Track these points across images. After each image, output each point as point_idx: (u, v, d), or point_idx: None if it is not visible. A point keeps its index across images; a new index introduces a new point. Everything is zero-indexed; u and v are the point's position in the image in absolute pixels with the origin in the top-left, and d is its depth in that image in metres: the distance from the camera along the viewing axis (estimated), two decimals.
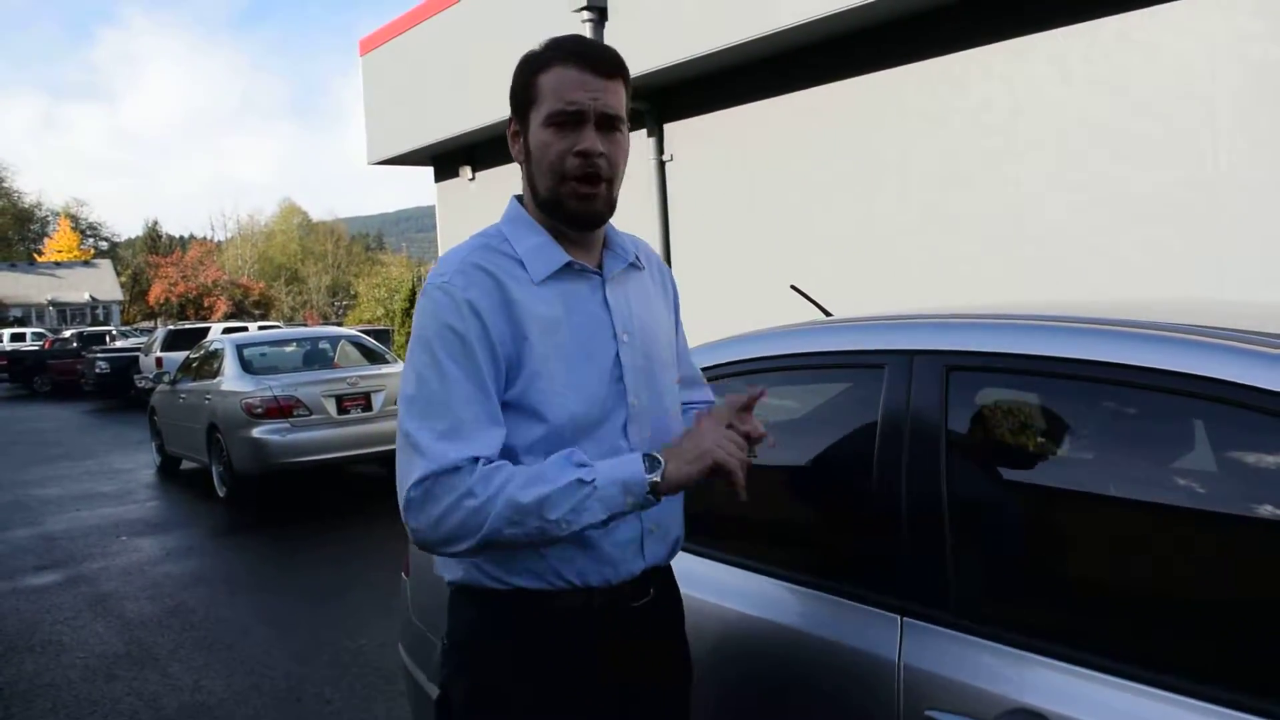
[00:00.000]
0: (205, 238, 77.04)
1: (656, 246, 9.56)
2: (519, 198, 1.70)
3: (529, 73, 1.59)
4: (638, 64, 8.79)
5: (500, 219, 1.68)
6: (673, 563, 1.76)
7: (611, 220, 1.67)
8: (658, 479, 1.47)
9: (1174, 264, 5.99)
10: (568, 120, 1.55)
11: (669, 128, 9.67)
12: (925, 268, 7.38)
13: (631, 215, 9.65)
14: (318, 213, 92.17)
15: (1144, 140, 6.13)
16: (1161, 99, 6.04)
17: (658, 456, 1.50)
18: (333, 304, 67.61)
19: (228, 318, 52.28)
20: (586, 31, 8.79)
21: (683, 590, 1.80)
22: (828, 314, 2.83)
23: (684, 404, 1.83)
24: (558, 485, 1.44)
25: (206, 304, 58.33)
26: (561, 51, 1.57)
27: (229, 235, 76.81)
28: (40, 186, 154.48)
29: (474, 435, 1.49)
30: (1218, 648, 1.42)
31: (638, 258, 1.73)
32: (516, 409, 1.54)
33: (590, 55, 1.56)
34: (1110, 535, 1.58)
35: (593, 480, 1.45)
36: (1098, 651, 1.46)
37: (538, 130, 1.57)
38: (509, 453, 1.53)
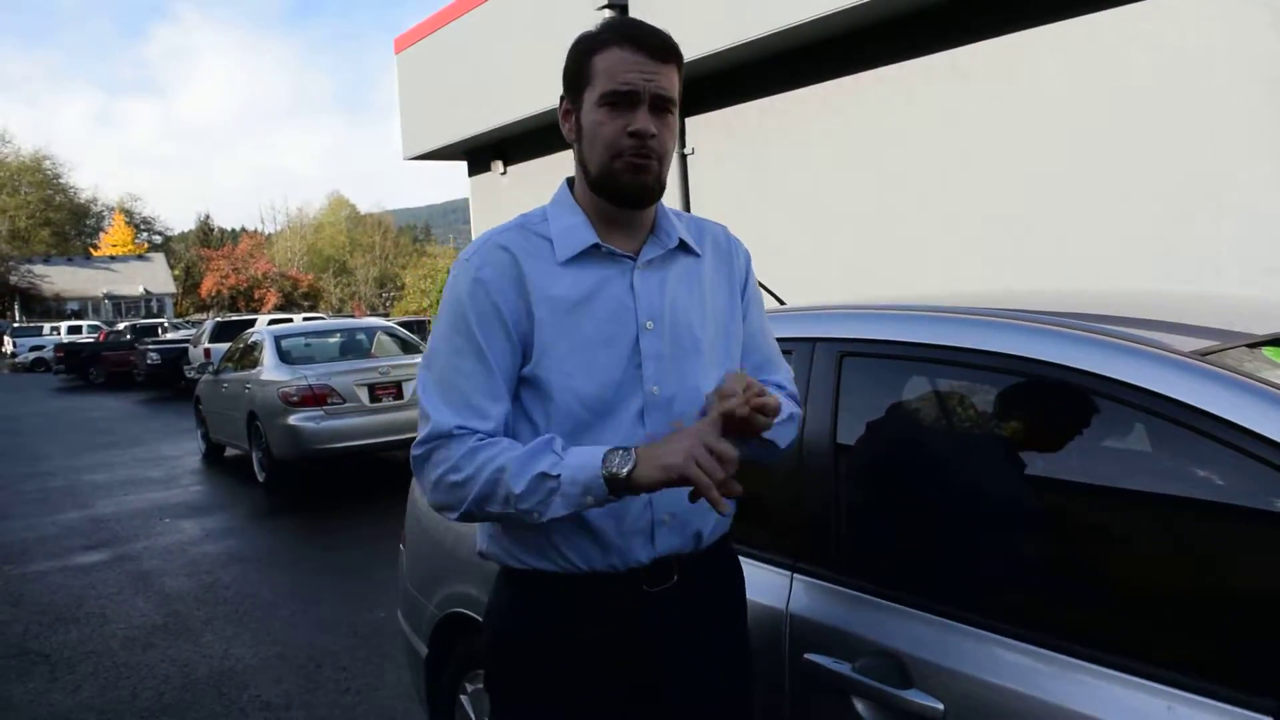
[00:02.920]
0: (255, 230, 78.43)
1: None
2: (570, 180, 1.71)
3: (584, 52, 1.60)
4: None
5: (550, 200, 1.70)
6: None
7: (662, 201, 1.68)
8: (623, 473, 1.45)
9: (1172, 254, 6.10)
10: (621, 100, 1.55)
11: (690, 121, 9.87)
12: (937, 256, 7.53)
13: None
14: (366, 205, 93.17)
15: (1143, 133, 6.23)
16: (1161, 91, 6.14)
17: (633, 452, 1.47)
18: (380, 295, 68.60)
19: (278, 309, 53.31)
20: None
21: None
22: (781, 302, 3.05)
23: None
24: (527, 476, 1.47)
25: (257, 296, 59.51)
26: (617, 33, 1.58)
27: (278, 228, 78.17)
28: (95, 182, 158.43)
29: (472, 407, 1.55)
30: (1045, 598, 1.63)
31: (684, 242, 1.70)
32: (529, 384, 1.59)
33: (645, 37, 1.57)
34: (962, 500, 1.80)
35: (558, 475, 1.47)
36: (949, 602, 1.68)
37: (591, 109, 1.58)
38: (529, 423, 1.59)
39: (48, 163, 67.12)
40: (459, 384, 1.57)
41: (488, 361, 1.57)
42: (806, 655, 1.78)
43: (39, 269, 58.46)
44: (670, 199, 9.94)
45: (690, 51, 8.45)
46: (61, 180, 69.17)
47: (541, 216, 1.67)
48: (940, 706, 1.57)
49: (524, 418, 1.62)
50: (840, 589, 1.82)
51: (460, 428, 1.54)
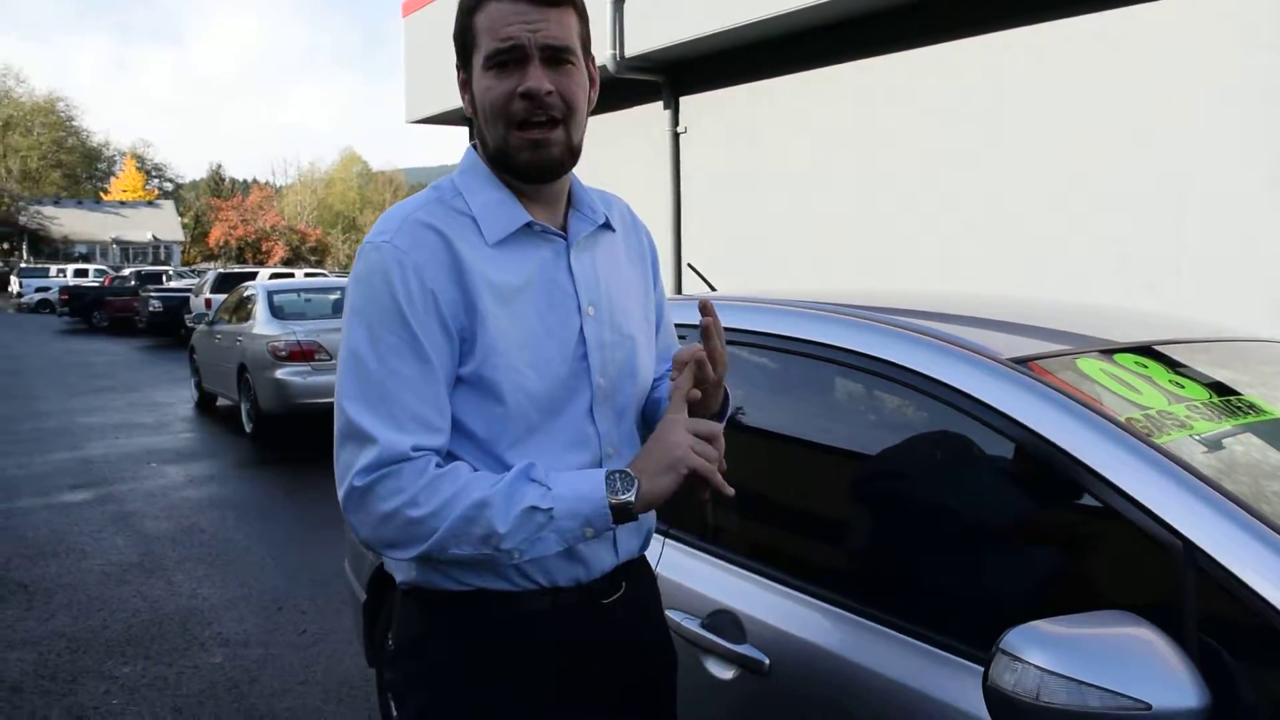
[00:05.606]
0: (266, 183, 78.55)
1: (668, 217, 9.94)
2: (475, 146, 1.51)
3: (465, 13, 1.41)
4: (656, 38, 9.14)
5: (455, 169, 1.50)
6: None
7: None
8: (631, 499, 1.31)
9: (1137, 258, 6.27)
10: (508, 59, 1.36)
11: (684, 100, 10.00)
12: (913, 248, 7.70)
13: (645, 185, 10.05)
14: (378, 162, 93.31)
15: (1115, 137, 6.38)
16: (1133, 96, 6.28)
17: (631, 474, 1.34)
18: None
19: (284, 263, 53.55)
20: (606, 7, 9.16)
21: None
22: (713, 289, 3.25)
23: (658, 378, 1.68)
24: (511, 512, 1.30)
25: (264, 248, 59.70)
26: None
27: (289, 181, 78.23)
28: (108, 126, 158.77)
29: (421, 421, 1.34)
30: (853, 569, 1.85)
31: (608, 219, 1.55)
32: (471, 386, 1.38)
33: None
34: (794, 478, 2.01)
35: (549, 509, 1.30)
36: (774, 566, 1.91)
37: (479, 75, 1.40)
38: (466, 435, 1.40)
39: (61, 104, 67.31)
40: (400, 394, 1.33)
41: (430, 362, 1.35)
42: (667, 611, 1.99)
43: (48, 210, 58.68)
44: (660, 177, 10.05)
45: (687, 32, 8.61)
46: (74, 123, 69.37)
47: (454, 189, 1.46)
48: (766, 660, 1.79)
49: (459, 427, 1.40)
50: (699, 554, 2.04)
51: (417, 449, 1.32)
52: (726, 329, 2.14)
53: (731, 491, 1.37)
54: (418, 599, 1.49)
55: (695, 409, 1.44)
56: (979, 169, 7.23)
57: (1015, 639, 1.27)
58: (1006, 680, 1.25)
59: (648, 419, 1.63)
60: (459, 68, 1.47)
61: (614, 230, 1.58)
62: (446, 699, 1.45)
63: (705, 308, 1.42)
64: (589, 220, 1.52)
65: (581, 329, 1.46)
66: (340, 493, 1.34)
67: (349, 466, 1.33)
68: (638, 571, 1.59)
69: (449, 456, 1.39)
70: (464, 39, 1.43)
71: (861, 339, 1.90)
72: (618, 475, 1.33)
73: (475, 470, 1.37)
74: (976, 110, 7.23)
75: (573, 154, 1.44)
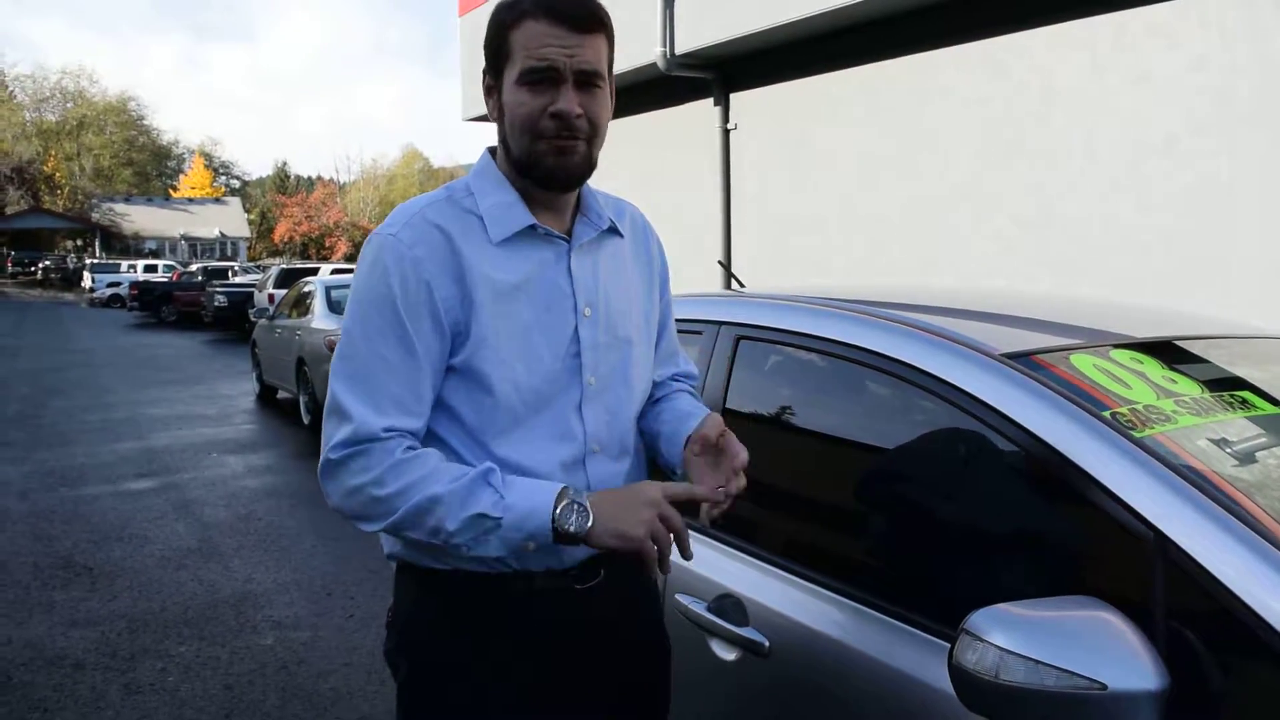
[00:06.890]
0: (330, 179, 79.89)
1: (718, 213, 9.99)
2: (492, 150, 1.60)
3: (501, 26, 1.49)
4: (707, 35, 9.20)
5: (471, 171, 1.60)
6: None
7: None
8: (579, 534, 1.38)
9: (1185, 253, 6.20)
10: (542, 79, 1.45)
11: (734, 97, 10.04)
12: (960, 245, 7.67)
13: (695, 181, 10.11)
14: (439, 158, 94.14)
15: (1164, 131, 6.31)
16: (1182, 91, 6.20)
17: (589, 511, 1.39)
18: None
19: (347, 259, 54.47)
20: (657, 4, 9.23)
21: None
22: (741, 284, 3.33)
23: (659, 382, 1.78)
24: (462, 514, 1.38)
25: (328, 244, 60.75)
26: (533, 3, 1.45)
27: (352, 178, 79.51)
28: (177, 125, 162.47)
29: (398, 404, 1.44)
30: (851, 557, 1.91)
31: (614, 224, 1.63)
32: (463, 375, 1.48)
33: (564, 8, 1.44)
34: (799, 472, 2.08)
35: (498, 518, 1.38)
36: (775, 553, 1.99)
37: (511, 89, 1.48)
38: (457, 422, 1.50)
39: (133, 104, 69.11)
40: (382, 378, 1.44)
41: (415, 352, 1.45)
42: (677, 595, 2.08)
43: (120, 207, 60.37)
44: (710, 173, 10.09)
45: (737, 29, 8.65)
46: (145, 121, 71.23)
47: (466, 189, 1.55)
48: (766, 643, 1.87)
49: (450, 415, 1.50)
50: (709, 540, 2.12)
51: (389, 430, 1.42)
52: (724, 323, 2.22)
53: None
54: (410, 574, 1.59)
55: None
56: (1027, 165, 7.18)
57: (978, 620, 1.33)
58: (968, 659, 1.31)
59: (648, 429, 1.72)
60: (486, 74, 1.55)
61: (622, 236, 1.66)
62: (428, 676, 1.56)
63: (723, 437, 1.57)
64: (594, 226, 1.60)
65: (576, 328, 1.54)
66: (320, 462, 1.47)
67: (328, 439, 1.45)
68: (623, 562, 1.55)
69: (439, 442, 1.50)
70: (496, 50, 1.51)
71: (863, 335, 1.96)
72: (576, 507, 1.39)
73: (449, 458, 1.47)
74: (1025, 106, 7.18)
75: (590, 167, 1.54)
